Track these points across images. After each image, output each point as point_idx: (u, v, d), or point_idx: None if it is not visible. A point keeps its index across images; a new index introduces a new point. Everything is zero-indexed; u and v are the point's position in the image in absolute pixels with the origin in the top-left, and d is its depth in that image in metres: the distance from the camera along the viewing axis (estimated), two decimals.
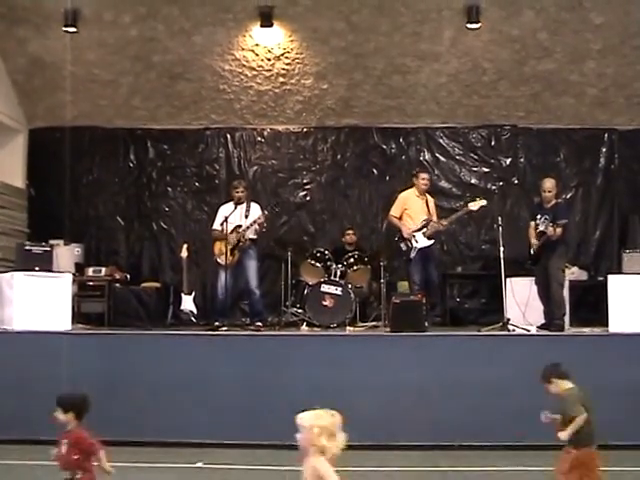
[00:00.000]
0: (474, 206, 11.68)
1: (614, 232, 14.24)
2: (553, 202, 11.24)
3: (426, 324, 10.84)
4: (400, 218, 12.00)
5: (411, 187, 12.25)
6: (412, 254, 11.75)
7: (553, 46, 12.57)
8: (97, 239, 14.57)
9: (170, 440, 9.46)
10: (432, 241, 11.89)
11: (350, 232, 13.60)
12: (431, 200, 12.27)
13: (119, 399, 9.64)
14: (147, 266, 14.54)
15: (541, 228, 11.03)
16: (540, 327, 11.10)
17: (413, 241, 11.76)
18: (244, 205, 11.87)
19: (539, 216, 11.15)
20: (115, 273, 13.31)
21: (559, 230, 10.81)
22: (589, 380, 9.46)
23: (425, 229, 11.80)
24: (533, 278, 11.43)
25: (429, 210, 12.04)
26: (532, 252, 11.23)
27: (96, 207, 14.60)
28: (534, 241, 11.15)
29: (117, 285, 12.91)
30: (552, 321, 10.97)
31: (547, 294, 11.10)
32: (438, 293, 12.39)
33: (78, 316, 12.32)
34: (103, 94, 13.80)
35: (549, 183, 11.30)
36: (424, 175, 12.27)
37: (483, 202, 11.67)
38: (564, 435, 5.88)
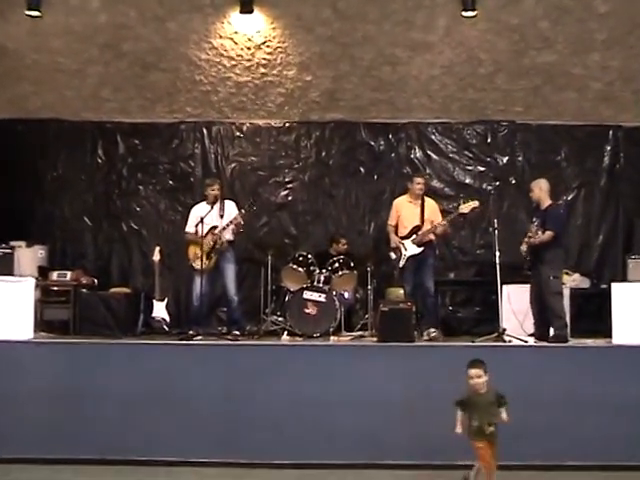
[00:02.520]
0: (465, 209, 11.74)
1: (618, 237, 14.27)
2: (547, 205, 11.28)
3: (415, 334, 10.91)
4: (396, 225, 12.18)
5: (406, 192, 12.37)
6: (401, 263, 11.88)
7: (554, 36, 12.61)
8: (62, 241, 14.49)
9: (139, 458, 9.41)
10: (422, 249, 11.95)
11: (343, 241, 13.61)
12: (431, 205, 12.32)
13: (84, 413, 9.62)
14: (116, 270, 14.49)
15: (530, 233, 11.11)
16: (530, 336, 11.15)
17: (402, 249, 11.86)
18: (219, 204, 11.87)
19: (534, 219, 11.23)
20: (81, 277, 13.23)
21: (542, 237, 10.88)
22: (591, 394, 9.60)
23: (414, 236, 11.88)
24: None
25: (423, 216, 12.10)
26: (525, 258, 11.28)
27: (61, 206, 14.53)
28: (523, 247, 11.21)
29: (84, 290, 12.81)
30: (543, 332, 11.01)
31: (538, 303, 11.13)
32: (433, 302, 12.31)
33: (41, 324, 12.24)
34: (69, 84, 13.74)
35: (533, 184, 11.49)
36: (418, 180, 12.33)
37: (475, 203, 11.72)
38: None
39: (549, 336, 10.97)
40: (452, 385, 9.62)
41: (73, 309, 12.64)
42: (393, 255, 12.08)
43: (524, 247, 11.12)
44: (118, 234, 14.56)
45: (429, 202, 12.31)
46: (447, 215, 12.41)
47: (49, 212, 14.48)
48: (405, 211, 12.18)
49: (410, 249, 11.89)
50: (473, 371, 7.44)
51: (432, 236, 12.11)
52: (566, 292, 12.41)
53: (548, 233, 10.87)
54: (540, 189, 11.34)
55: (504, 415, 7.42)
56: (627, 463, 9.19)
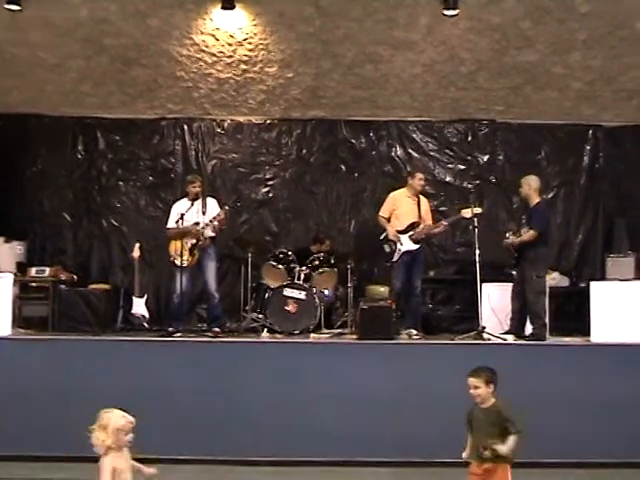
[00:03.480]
0: (466, 213, 11.70)
1: (598, 236, 14.37)
2: (535, 202, 11.32)
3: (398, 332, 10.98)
4: (389, 219, 12.11)
5: (403, 186, 12.38)
6: (395, 257, 11.83)
7: (536, 36, 12.62)
8: (41, 236, 14.44)
9: None
10: (418, 245, 11.96)
11: (327, 242, 13.64)
12: (425, 203, 12.38)
13: (64, 410, 9.58)
14: (96, 266, 14.46)
15: (510, 239, 11.19)
16: (506, 333, 11.19)
17: (398, 243, 11.83)
18: (200, 201, 11.87)
19: (523, 217, 11.28)
20: (61, 273, 13.20)
21: (522, 237, 10.96)
22: (569, 392, 9.66)
23: (412, 232, 11.88)
24: (511, 284, 11.52)
25: (420, 212, 12.13)
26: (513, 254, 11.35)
27: (41, 202, 14.48)
28: (508, 239, 11.28)
29: (63, 287, 12.78)
30: (519, 330, 11.10)
31: (520, 300, 11.18)
32: (418, 302, 12.31)
33: (19, 320, 12.21)
34: (49, 79, 13.65)
35: (521, 182, 11.53)
36: (420, 175, 12.39)
37: (478, 209, 11.63)
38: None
39: (524, 333, 11.02)
40: (432, 383, 9.72)
41: (52, 305, 12.61)
42: (387, 248, 11.96)
43: (509, 241, 11.18)
44: (98, 230, 14.51)
45: (424, 200, 12.37)
46: (448, 217, 12.46)
47: (28, 208, 14.42)
48: (404, 206, 12.13)
49: (406, 244, 11.86)
50: (470, 379, 6.37)
51: (436, 231, 12.27)
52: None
53: (531, 232, 10.93)
54: (529, 186, 11.37)
55: (501, 446, 6.07)
56: (605, 460, 9.27)
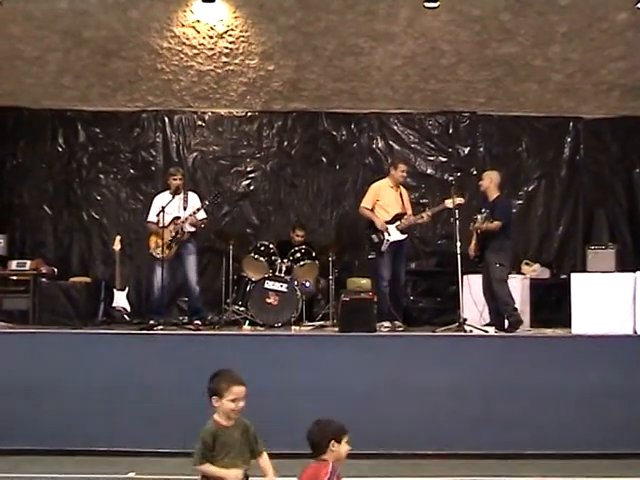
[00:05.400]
0: (450, 204, 11.72)
1: (578, 228, 14.44)
2: (494, 196, 11.40)
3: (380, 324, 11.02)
4: (372, 210, 12.09)
5: (383, 177, 12.40)
6: (384, 247, 11.80)
7: (516, 28, 12.64)
8: (21, 230, 14.39)
9: (99, 449, 9.41)
10: (405, 235, 11.99)
11: (300, 233, 13.56)
12: (405, 193, 12.41)
13: (44, 404, 9.59)
14: (76, 259, 14.41)
15: (477, 224, 11.24)
16: (488, 325, 11.24)
17: (386, 234, 11.82)
18: (181, 195, 11.86)
19: (482, 210, 11.31)
20: (41, 267, 13.16)
21: (489, 225, 11.05)
22: (550, 384, 9.71)
23: (398, 222, 11.89)
24: None
25: (403, 202, 12.17)
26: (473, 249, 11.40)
27: (21, 195, 14.42)
28: (472, 246, 11.33)
29: (43, 280, 12.73)
30: (499, 321, 11.15)
31: (489, 291, 11.24)
32: (401, 294, 12.37)
33: (0, 313, 12.19)
34: (29, 72, 13.59)
35: (483, 176, 11.70)
36: (404, 167, 12.37)
37: (461, 200, 11.68)
38: None
39: (504, 325, 11.08)
40: (413, 375, 9.73)
41: (32, 298, 12.60)
42: (376, 238, 11.89)
43: (477, 224, 11.25)
44: (78, 223, 14.46)
45: (404, 191, 12.41)
46: (431, 207, 12.47)
47: (8, 201, 14.37)
48: (388, 197, 12.13)
49: (394, 235, 11.85)
50: None
51: (420, 222, 12.30)
52: (526, 282, 12.56)
53: (496, 223, 11.00)
54: (490, 180, 11.51)
55: None
56: (586, 451, 9.31)
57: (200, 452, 5.36)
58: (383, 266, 11.86)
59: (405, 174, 12.40)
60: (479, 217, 11.24)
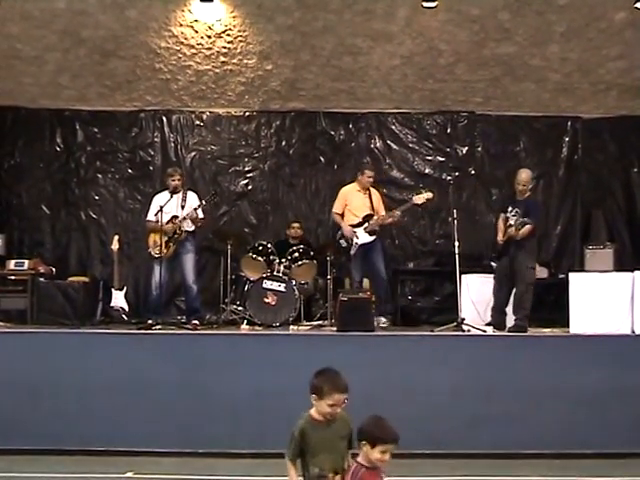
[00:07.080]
0: (418, 200, 11.82)
1: (576, 227, 14.46)
2: (527, 195, 11.38)
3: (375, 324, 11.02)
4: (342, 215, 12.30)
5: (353, 181, 12.57)
6: (352, 250, 12.09)
7: (514, 28, 12.64)
8: (20, 229, 14.39)
9: (98, 448, 9.40)
10: (373, 237, 12.13)
11: (296, 225, 13.64)
12: (376, 194, 12.58)
13: (43, 404, 9.59)
14: (74, 259, 14.41)
15: (511, 222, 11.14)
16: (488, 325, 11.24)
17: (354, 237, 11.97)
18: (180, 194, 11.86)
19: (510, 209, 11.23)
20: (39, 266, 13.14)
21: (524, 231, 10.94)
22: (548, 384, 9.70)
23: (366, 224, 12.01)
24: (490, 275, 11.55)
25: (372, 205, 12.30)
26: (498, 247, 11.34)
27: (19, 194, 14.41)
28: (501, 235, 11.26)
29: (41, 279, 12.70)
30: (501, 321, 11.16)
31: (505, 292, 11.21)
32: (387, 290, 12.46)
33: None
34: (27, 71, 13.58)
35: (525, 175, 11.46)
36: (370, 173, 12.59)
37: (429, 195, 11.83)
38: None
39: (506, 325, 11.07)
40: (411, 374, 9.73)
41: (31, 298, 12.58)
42: (344, 243, 12.25)
43: (501, 236, 11.19)
44: (76, 223, 14.45)
45: (374, 192, 12.56)
46: (401, 205, 12.52)
47: (6, 200, 14.36)
48: (355, 200, 12.38)
49: (362, 237, 12.08)
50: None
51: (389, 221, 12.41)
52: None
53: (529, 227, 10.98)
54: (531, 181, 11.58)
55: None
56: (584, 451, 9.32)
57: (291, 448, 5.32)
58: (353, 268, 12.27)
59: (371, 179, 12.57)
60: (509, 216, 11.19)
